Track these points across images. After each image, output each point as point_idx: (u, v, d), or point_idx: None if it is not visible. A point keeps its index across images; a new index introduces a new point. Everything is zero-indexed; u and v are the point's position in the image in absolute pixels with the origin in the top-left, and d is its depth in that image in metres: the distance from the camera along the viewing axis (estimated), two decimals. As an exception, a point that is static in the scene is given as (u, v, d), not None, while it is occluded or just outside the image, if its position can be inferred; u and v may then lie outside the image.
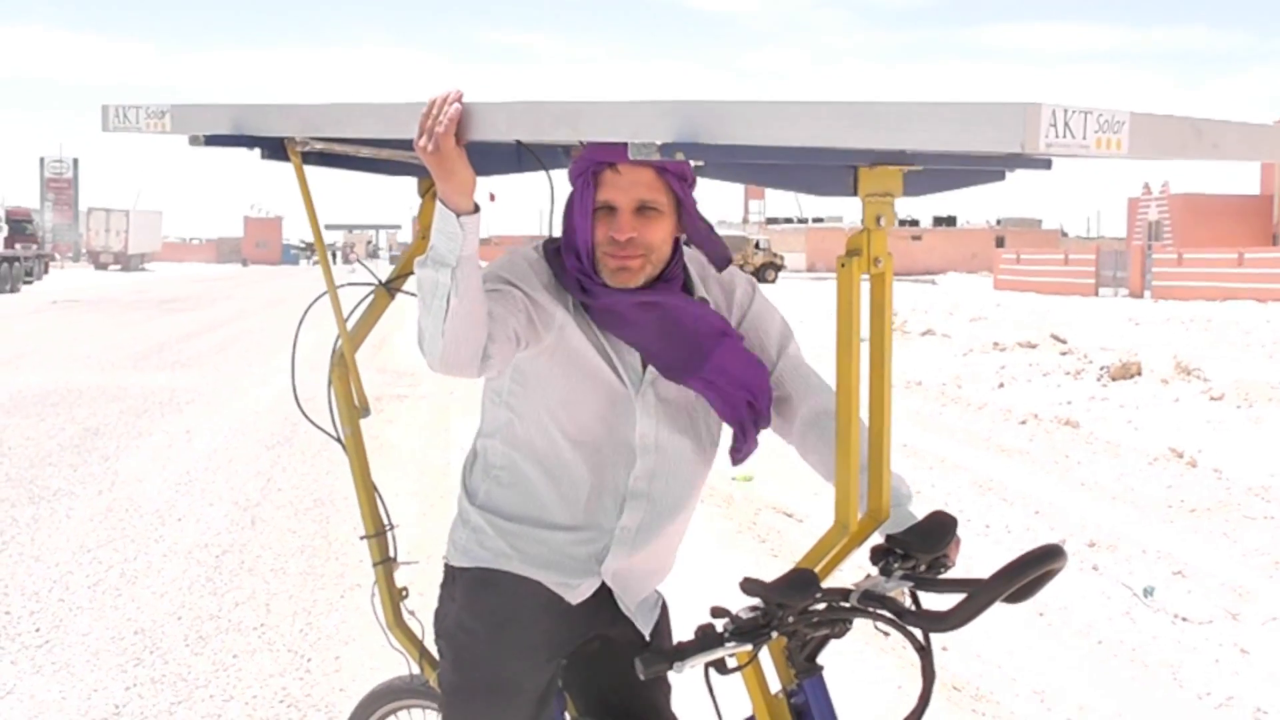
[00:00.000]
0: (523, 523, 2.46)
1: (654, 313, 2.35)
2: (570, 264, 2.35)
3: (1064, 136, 1.51)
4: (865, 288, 2.06)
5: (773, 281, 64.13)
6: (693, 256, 2.48)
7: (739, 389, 2.39)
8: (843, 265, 1.98)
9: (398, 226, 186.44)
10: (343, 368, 2.58)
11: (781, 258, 68.06)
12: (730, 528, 7.60)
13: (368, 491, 2.66)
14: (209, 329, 25.26)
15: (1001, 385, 17.14)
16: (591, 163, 2.25)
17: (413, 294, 2.43)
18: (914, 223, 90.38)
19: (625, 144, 1.92)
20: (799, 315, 28.29)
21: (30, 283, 48.50)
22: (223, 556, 6.78)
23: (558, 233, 2.38)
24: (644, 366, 2.42)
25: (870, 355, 2.08)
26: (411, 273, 2.65)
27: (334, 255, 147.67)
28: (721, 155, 1.73)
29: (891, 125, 1.56)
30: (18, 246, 52.39)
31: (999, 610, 6.83)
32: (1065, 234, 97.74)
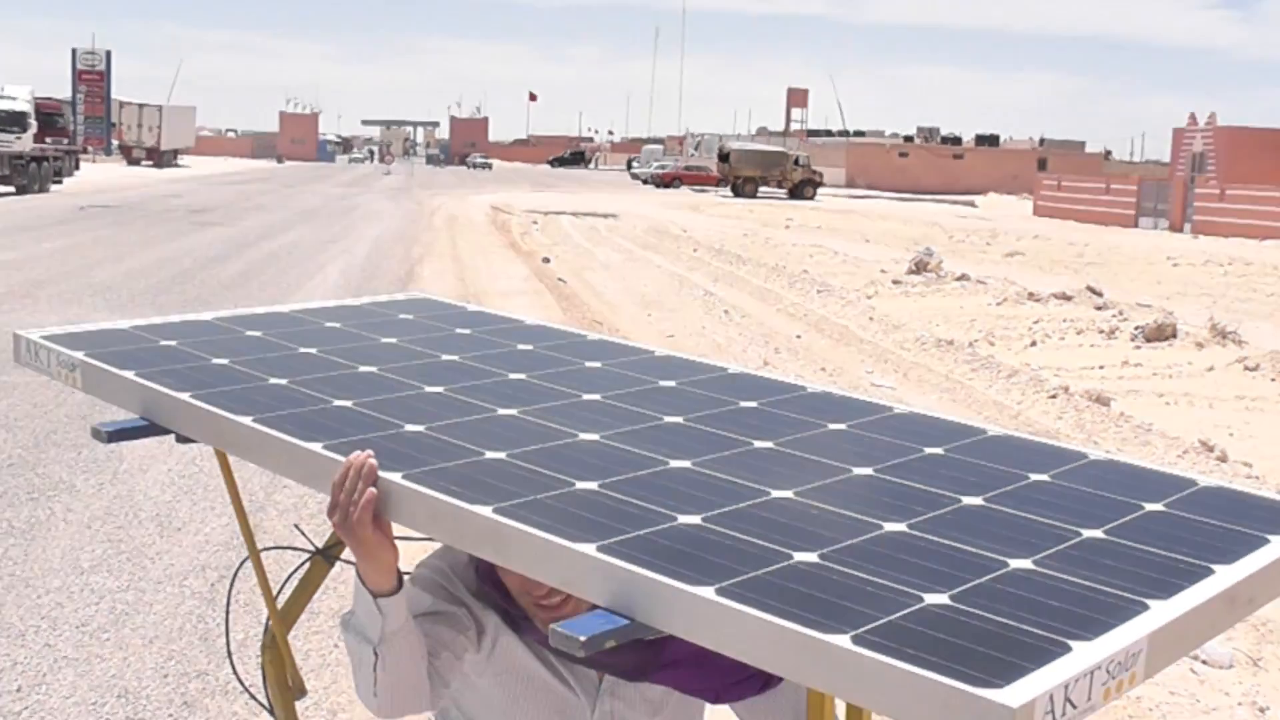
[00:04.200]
0: None
1: None
2: (498, 596, 2.06)
3: (1064, 714, 1.23)
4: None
5: (811, 198, 63.43)
6: None
7: (707, 663, 2.09)
8: None
9: (436, 123, 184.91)
10: (274, 649, 2.31)
11: (820, 174, 67.22)
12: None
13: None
14: (235, 250, 25.09)
15: (1033, 344, 16.85)
16: None
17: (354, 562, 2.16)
18: (956, 140, 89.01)
19: None
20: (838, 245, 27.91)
21: (59, 181, 48.27)
22: (218, 584, 6.58)
23: None
24: (599, 673, 2.14)
25: None
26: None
27: (370, 155, 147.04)
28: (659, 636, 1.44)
29: (853, 677, 1.27)
30: (48, 140, 52.17)
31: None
32: (1109, 154, 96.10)
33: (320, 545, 2.33)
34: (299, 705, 2.37)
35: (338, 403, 2.02)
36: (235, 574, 2.46)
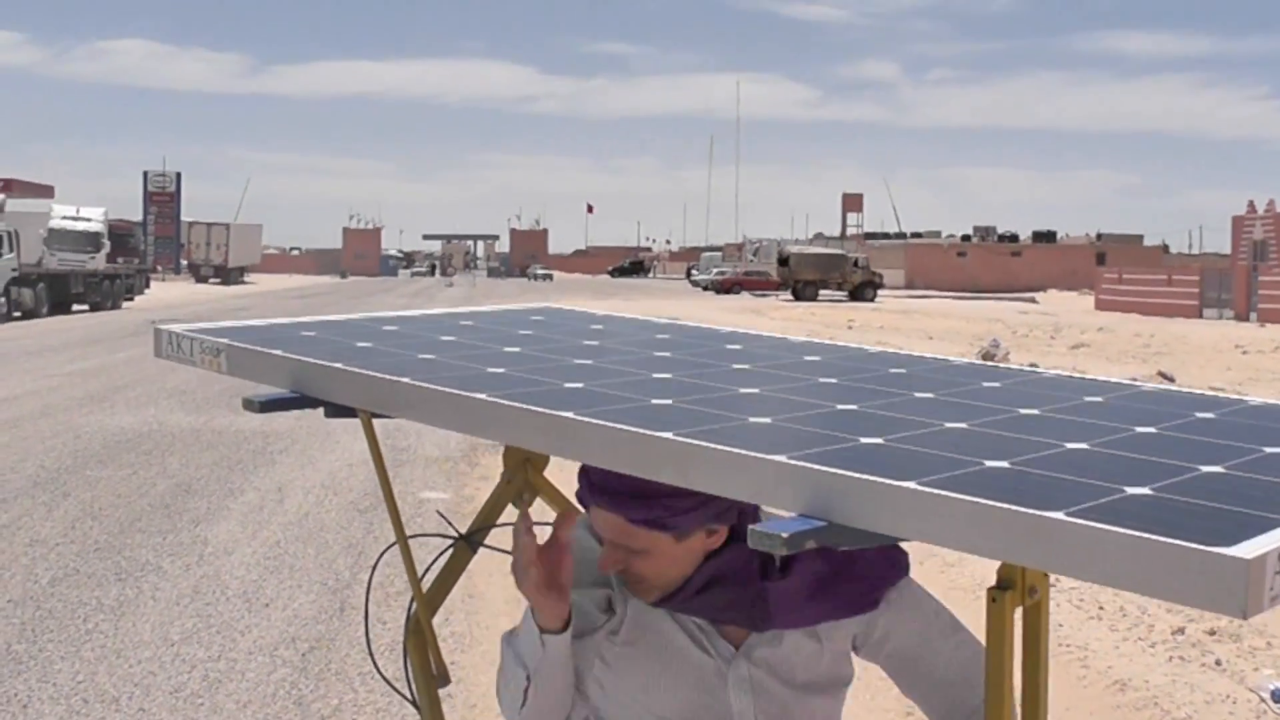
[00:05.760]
0: None
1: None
2: None
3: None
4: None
5: (872, 299, 63.41)
6: None
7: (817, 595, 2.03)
8: (993, 600, 1.66)
9: (496, 236, 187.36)
10: (419, 634, 2.31)
11: (880, 276, 67.32)
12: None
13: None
14: (304, 356, 25.38)
15: (1109, 430, 16.64)
16: (582, 497, 2.00)
17: (502, 550, 2.17)
18: (1013, 238, 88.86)
19: (602, 490, 1.87)
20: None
21: (130, 299, 49.23)
22: (309, 654, 6.58)
23: None
24: (738, 635, 2.06)
25: (1023, 692, 1.76)
26: (496, 525, 2.38)
27: (432, 268, 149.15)
28: (857, 540, 1.43)
29: (1071, 549, 1.25)
30: (120, 260, 53.38)
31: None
32: (1167, 248, 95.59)
33: (464, 531, 2.33)
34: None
35: (491, 369, 2.04)
36: (377, 562, 2.47)
